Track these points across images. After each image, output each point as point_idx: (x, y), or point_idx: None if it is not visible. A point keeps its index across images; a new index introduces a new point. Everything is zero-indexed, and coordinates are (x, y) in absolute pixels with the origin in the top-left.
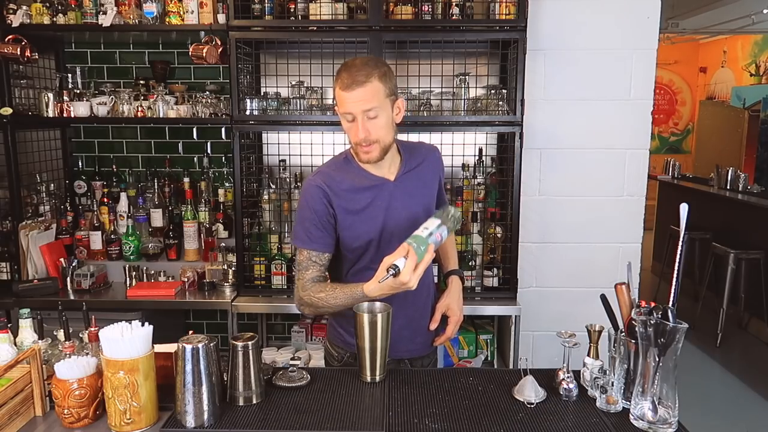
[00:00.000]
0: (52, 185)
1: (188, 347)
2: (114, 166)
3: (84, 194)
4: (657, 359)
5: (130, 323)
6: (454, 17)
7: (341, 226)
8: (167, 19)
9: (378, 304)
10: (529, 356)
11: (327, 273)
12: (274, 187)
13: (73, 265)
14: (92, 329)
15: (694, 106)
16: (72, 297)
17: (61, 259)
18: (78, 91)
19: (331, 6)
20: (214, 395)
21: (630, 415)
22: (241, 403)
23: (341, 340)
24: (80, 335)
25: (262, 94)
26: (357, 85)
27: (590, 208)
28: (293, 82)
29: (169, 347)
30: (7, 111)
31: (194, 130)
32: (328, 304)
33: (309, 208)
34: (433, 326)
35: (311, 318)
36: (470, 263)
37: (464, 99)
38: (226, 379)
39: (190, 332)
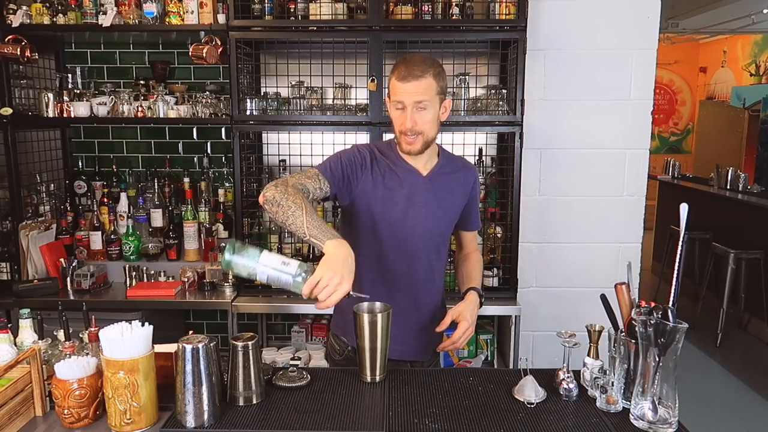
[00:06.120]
0: (52, 185)
1: (188, 347)
2: (114, 166)
3: (84, 194)
4: (657, 359)
5: (130, 323)
6: (454, 17)
7: (362, 197)
8: (167, 19)
9: (378, 304)
10: (529, 356)
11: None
12: None
13: (73, 265)
14: (92, 329)
15: (694, 106)
16: (72, 297)
17: (61, 259)
18: (78, 91)
19: (331, 6)
20: (214, 395)
21: (630, 415)
22: (241, 403)
23: (334, 324)
24: (80, 335)
25: (262, 94)
26: (413, 78)
27: (590, 208)
28: (293, 82)
29: (169, 347)
30: (7, 111)
31: (194, 130)
32: (290, 209)
33: (348, 152)
34: (440, 329)
35: (311, 318)
36: None
37: (464, 99)
38: (226, 379)
39: (190, 332)
